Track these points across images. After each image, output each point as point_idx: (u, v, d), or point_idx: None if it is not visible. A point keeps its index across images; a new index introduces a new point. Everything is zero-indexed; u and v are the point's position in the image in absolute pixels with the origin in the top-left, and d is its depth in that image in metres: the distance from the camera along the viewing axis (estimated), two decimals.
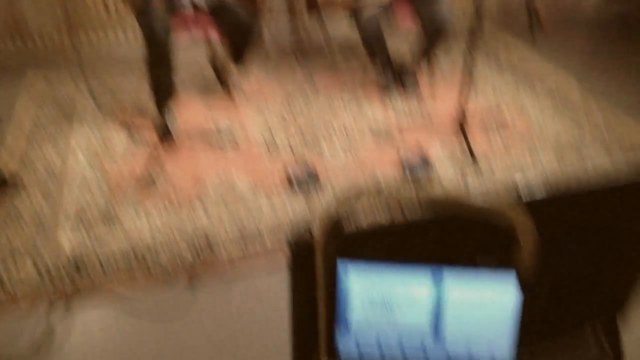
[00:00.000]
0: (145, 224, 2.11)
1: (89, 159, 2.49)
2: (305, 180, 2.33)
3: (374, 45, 2.87)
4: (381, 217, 1.06)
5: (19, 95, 3.03)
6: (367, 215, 0.98)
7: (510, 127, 2.79)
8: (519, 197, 1.14)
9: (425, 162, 2.46)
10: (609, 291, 1.49)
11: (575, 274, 1.39)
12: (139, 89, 3.05)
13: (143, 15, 2.49)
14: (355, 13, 2.87)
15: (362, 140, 2.66)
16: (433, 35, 2.78)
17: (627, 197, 1.28)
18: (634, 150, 2.61)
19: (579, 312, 1.53)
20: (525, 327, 0.96)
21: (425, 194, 0.90)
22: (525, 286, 0.92)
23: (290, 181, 2.33)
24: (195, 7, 2.70)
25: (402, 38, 3.54)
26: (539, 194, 1.17)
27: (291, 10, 3.75)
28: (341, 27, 3.75)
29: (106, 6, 3.56)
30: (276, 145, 2.62)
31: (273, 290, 1.87)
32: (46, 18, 3.53)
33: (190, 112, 2.88)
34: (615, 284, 1.48)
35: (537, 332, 1.49)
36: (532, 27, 3.87)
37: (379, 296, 0.95)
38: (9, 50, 3.52)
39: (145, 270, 1.92)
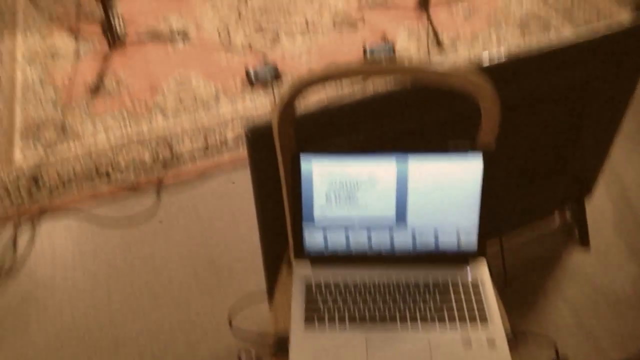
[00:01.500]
0: (103, 136, 2.04)
1: (36, 70, 2.35)
2: (266, 76, 2.24)
3: None
4: (341, 97, 1.01)
5: None
6: (324, 99, 0.94)
7: (474, 3, 2.68)
8: (481, 66, 1.10)
9: (389, 47, 2.38)
10: (574, 170, 1.50)
11: (539, 150, 1.39)
12: None
13: None
14: None
15: (323, 31, 2.54)
16: None
17: (593, 56, 1.24)
18: (600, 21, 2.55)
19: (546, 196, 1.56)
20: (493, 209, 0.96)
21: (388, 65, 0.85)
22: (490, 162, 0.90)
23: (250, 78, 2.24)
24: None
25: None
26: (500, 59, 1.13)
27: None
28: None
29: None
30: (234, 41, 2.49)
31: (239, 189, 1.86)
32: None
33: (140, 10, 2.70)
34: (580, 162, 1.49)
35: (506, 221, 1.51)
36: None
37: (343, 188, 0.93)
38: None
39: (108, 183, 1.88)
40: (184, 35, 2.52)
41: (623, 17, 2.48)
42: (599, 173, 1.59)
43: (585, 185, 1.58)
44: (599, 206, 1.78)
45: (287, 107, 0.87)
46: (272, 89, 2.21)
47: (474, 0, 2.69)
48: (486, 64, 1.10)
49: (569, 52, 1.19)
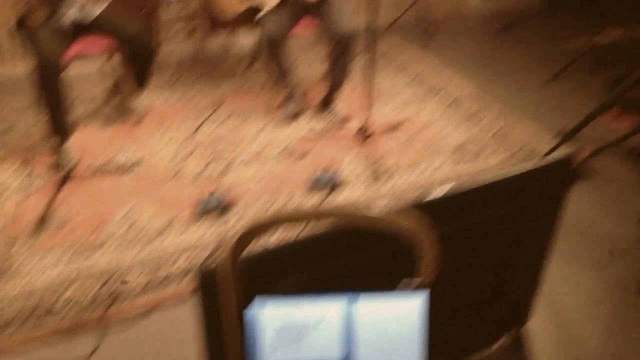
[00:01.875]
0: (47, 273, 2.00)
1: None
2: (215, 207, 2.29)
3: (277, 59, 2.84)
4: (289, 239, 1.05)
5: None
6: (275, 240, 0.98)
7: (413, 133, 2.88)
8: (419, 202, 1.18)
9: (334, 176, 2.50)
10: (510, 297, 1.57)
11: (479, 282, 1.46)
12: (33, 123, 2.90)
13: (31, 41, 2.37)
14: (257, 25, 2.86)
15: (272, 161, 2.66)
16: (337, 47, 2.82)
17: (520, 190, 1.35)
18: (528, 150, 2.77)
19: (485, 326, 1.60)
20: (435, 347, 0.99)
21: (326, 211, 0.90)
22: (431, 299, 0.95)
23: (200, 209, 2.28)
24: (86, 26, 2.60)
25: (306, 50, 3.59)
26: (437, 195, 1.21)
27: (194, 29, 3.70)
28: (247, 43, 3.74)
29: None
30: (185, 172, 2.56)
31: (185, 327, 1.83)
32: None
33: (91, 142, 2.77)
34: (515, 288, 1.56)
35: (447, 352, 1.54)
36: (426, 33, 4.06)
37: (290, 331, 0.95)
38: None
39: (50, 323, 1.82)
40: (136, 167, 2.58)
41: (546, 147, 2.70)
42: (535, 297, 1.66)
43: (522, 311, 1.64)
44: (539, 332, 1.83)
45: (233, 257, 0.91)
46: (224, 222, 2.26)
47: (413, 130, 2.90)
48: (421, 201, 1.19)
49: (499, 187, 1.29)
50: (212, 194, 2.34)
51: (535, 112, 3.08)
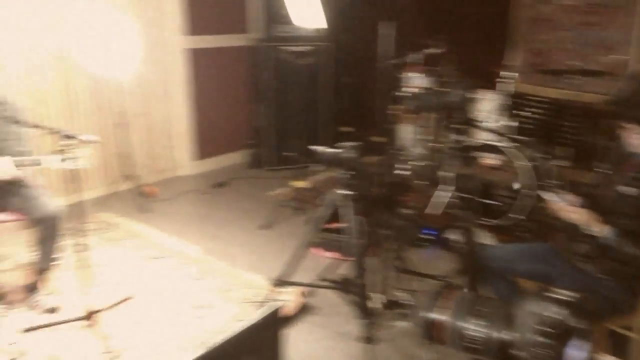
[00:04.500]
0: None
1: None
2: None
3: None
4: None
5: None
6: None
7: (137, 307, 2.84)
8: None
9: None
10: None
11: None
12: None
13: None
14: None
15: None
16: (41, 230, 2.69)
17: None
18: (252, 299, 2.97)
19: None
20: None
21: None
22: None
23: None
24: None
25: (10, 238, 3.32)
26: None
27: None
28: None
29: None
30: None
31: None
32: None
33: None
34: None
35: None
36: (145, 203, 4.16)
37: None
38: None
39: None
40: None
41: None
42: None
43: None
44: None
45: None
46: None
47: (139, 304, 2.86)
48: None
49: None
50: None
51: (254, 263, 3.36)
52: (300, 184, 4.30)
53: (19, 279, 2.90)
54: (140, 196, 4.23)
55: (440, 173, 3.41)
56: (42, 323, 2.62)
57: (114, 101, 4.29)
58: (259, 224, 3.90)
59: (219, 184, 4.75)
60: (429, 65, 4.16)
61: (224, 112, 5.23)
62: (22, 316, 2.69)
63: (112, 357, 2.41)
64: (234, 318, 2.76)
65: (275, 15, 4.85)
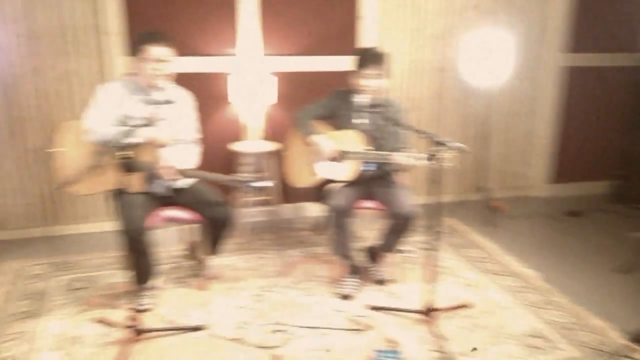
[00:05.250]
0: None
1: (59, 356, 2.43)
2: None
3: (340, 231, 2.98)
4: None
5: None
6: None
7: (476, 318, 2.85)
8: None
9: (397, 355, 2.46)
10: None
11: None
12: (113, 277, 3.10)
13: (124, 206, 2.63)
14: (321, 197, 3.07)
15: (334, 332, 2.67)
16: (395, 224, 2.96)
17: None
18: (596, 346, 2.65)
19: None
20: None
21: None
22: None
23: None
24: (171, 196, 2.88)
25: (368, 224, 3.74)
26: None
27: (267, 199, 3.98)
28: (315, 213, 3.96)
29: (84, 199, 3.74)
30: (248, 338, 2.61)
31: None
32: (28, 209, 3.67)
33: (163, 300, 2.90)
34: None
35: None
36: (492, 217, 4.15)
37: None
38: None
39: None
40: (203, 328, 2.65)
41: (616, 347, 2.59)
42: None
43: None
44: None
45: None
46: None
47: (476, 314, 2.87)
48: None
49: None
50: None
51: (601, 306, 2.98)
52: None
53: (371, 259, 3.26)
54: (488, 209, 4.25)
55: None
56: (386, 305, 2.89)
57: (479, 113, 4.40)
58: (614, 266, 3.46)
59: (572, 212, 4.40)
60: None
61: (592, 137, 4.81)
62: (370, 293, 3.03)
63: (444, 358, 2.49)
64: None
65: None
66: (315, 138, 3.05)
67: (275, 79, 3.78)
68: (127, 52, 3.53)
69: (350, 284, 3.07)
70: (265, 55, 3.86)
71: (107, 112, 2.72)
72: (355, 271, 3.11)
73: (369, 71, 2.96)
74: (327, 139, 3.03)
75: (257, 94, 3.68)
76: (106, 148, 2.20)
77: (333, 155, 3.00)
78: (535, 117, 4.67)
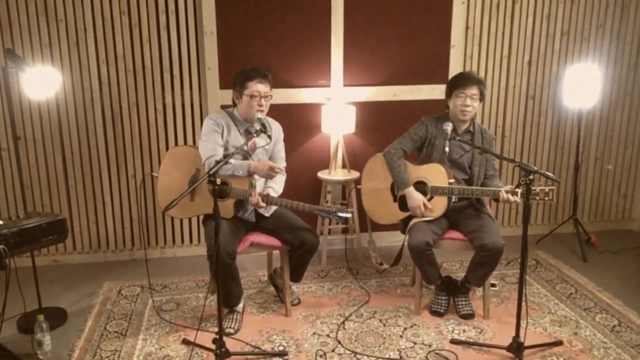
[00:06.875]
0: None
1: None
2: None
3: (421, 264, 2.95)
4: None
5: (92, 307, 3.25)
6: None
7: (569, 357, 2.69)
8: None
9: None
10: None
11: None
12: (201, 302, 3.22)
13: (213, 230, 2.73)
14: (405, 229, 3.04)
15: None
16: (481, 257, 2.87)
17: None
18: None
19: None
20: None
21: None
22: None
23: None
24: (257, 222, 2.98)
25: (453, 256, 3.65)
26: None
27: (347, 228, 4.00)
28: (392, 243, 3.92)
29: (177, 223, 3.94)
30: None
31: None
32: (127, 232, 3.91)
33: (245, 324, 2.97)
34: None
35: None
36: (583, 249, 3.92)
37: None
38: (90, 261, 3.87)
39: None
40: (284, 355, 2.69)
41: None
42: None
43: None
44: None
45: None
46: None
47: (569, 353, 2.71)
48: None
49: None
50: None
51: None
52: None
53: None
54: (581, 243, 4.01)
55: None
56: (471, 340, 2.80)
57: (574, 143, 4.20)
58: None
59: None
60: None
61: None
62: (455, 327, 2.95)
63: None
64: None
65: None
66: (407, 192, 3.02)
67: (360, 108, 3.83)
68: (222, 85, 3.71)
69: (440, 301, 3.10)
70: (347, 85, 3.91)
71: (218, 142, 2.87)
72: (445, 290, 3.14)
73: (468, 90, 2.93)
74: (417, 194, 3.00)
75: (346, 123, 3.73)
76: (209, 175, 2.33)
77: (421, 208, 2.98)
78: (634, 146, 4.41)
